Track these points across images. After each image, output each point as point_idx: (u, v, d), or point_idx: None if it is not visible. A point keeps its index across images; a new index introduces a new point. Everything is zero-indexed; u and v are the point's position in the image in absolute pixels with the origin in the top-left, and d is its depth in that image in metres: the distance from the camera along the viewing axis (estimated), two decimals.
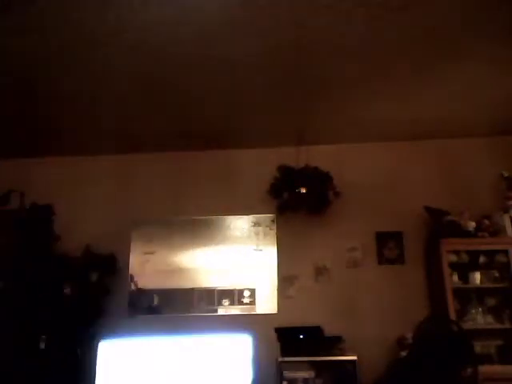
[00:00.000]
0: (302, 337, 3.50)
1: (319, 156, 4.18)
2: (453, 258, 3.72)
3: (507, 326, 3.61)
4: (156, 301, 4.12)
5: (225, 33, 2.92)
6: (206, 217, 4.31)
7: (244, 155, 4.43)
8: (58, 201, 4.03)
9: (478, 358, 3.05)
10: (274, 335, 3.55)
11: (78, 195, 4.43)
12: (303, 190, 3.96)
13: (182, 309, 4.08)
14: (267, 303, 4.04)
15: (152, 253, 4.26)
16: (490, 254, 3.72)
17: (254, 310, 4.03)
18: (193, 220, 4.31)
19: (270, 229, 4.25)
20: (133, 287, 4.18)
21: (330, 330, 3.61)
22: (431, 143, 4.34)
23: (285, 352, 3.47)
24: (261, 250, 4.20)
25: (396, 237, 4.13)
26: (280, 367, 3.42)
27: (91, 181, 4.50)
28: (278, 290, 4.07)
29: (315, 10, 2.74)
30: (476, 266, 3.72)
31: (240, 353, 3.31)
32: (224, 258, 4.19)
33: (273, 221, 4.25)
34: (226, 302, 4.07)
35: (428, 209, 3.95)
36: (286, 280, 4.08)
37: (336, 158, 4.29)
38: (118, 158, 4.54)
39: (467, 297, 3.73)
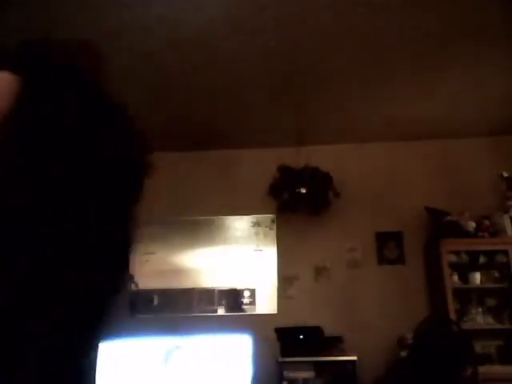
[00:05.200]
0: (302, 337, 3.50)
1: (319, 156, 4.17)
2: (453, 258, 3.72)
3: (507, 326, 3.61)
4: (156, 301, 4.12)
5: (225, 33, 2.92)
6: (206, 217, 4.30)
7: (244, 155, 4.43)
8: None
9: (478, 358, 3.05)
10: (274, 335, 3.55)
11: None
12: (303, 190, 3.96)
13: (182, 309, 4.08)
14: (267, 303, 4.04)
15: (152, 253, 4.26)
16: (490, 254, 3.72)
17: (254, 310, 4.03)
18: (193, 220, 4.31)
19: (270, 229, 4.24)
20: (133, 287, 4.18)
21: (330, 330, 3.61)
22: (431, 143, 4.34)
23: (285, 352, 3.47)
24: (261, 251, 4.20)
25: (396, 237, 4.13)
26: (280, 367, 3.42)
27: None
28: (278, 290, 4.06)
29: (315, 10, 2.74)
30: (476, 266, 3.72)
31: (240, 353, 3.31)
32: (224, 259, 4.19)
33: (273, 221, 4.25)
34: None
35: (428, 209, 3.95)
36: (285, 280, 4.08)
37: (336, 158, 4.29)
38: None
39: (467, 297, 3.73)
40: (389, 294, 3.97)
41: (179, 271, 4.18)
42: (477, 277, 3.69)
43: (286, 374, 3.40)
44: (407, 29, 2.91)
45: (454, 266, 3.71)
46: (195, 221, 4.31)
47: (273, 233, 4.23)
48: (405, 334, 3.50)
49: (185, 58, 3.16)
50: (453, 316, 3.47)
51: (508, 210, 3.83)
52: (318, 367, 3.41)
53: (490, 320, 3.67)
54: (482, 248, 3.73)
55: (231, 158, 4.45)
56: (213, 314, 4.04)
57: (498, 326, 3.64)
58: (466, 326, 3.49)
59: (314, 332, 3.51)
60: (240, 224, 4.28)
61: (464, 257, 3.74)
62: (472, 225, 3.78)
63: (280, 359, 3.44)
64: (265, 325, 3.75)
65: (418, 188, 4.21)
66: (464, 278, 3.72)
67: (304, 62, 3.22)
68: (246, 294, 4.07)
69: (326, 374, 3.39)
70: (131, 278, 4.20)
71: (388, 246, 4.12)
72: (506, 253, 3.66)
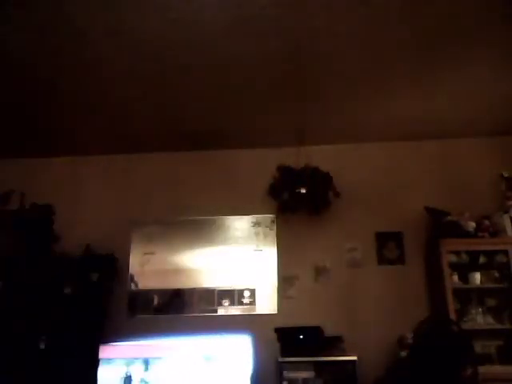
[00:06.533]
0: (301, 337, 3.50)
1: (319, 156, 4.18)
2: (453, 258, 3.71)
3: (507, 326, 3.61)
4: (156, 301, 4.12)
5: (225, 33, 2.92)
6: (206, 217, 4.30)
7: (244, 155, 4.43)
8: (58, 201, 4.03)
9: (478, 358, 3.05)
10: (273, 335, 3.55)
11: (78, 195, 4.43)
12: (303, 191, 3.96)
13: (181, 309, 4.07)
14: (267, 303, 4.04)
15: (152, 253, 4.26)
16: (490, 254, 3.72)
17: (254, 310, 4.03)
18: (193, 220, 4.31)
19: (270, 229, 4.25)
20: (133, 287, 4.18)
21: (330, 330, 3.61)
22: (431, 143, 4.34)
23: (285, 352, 3.47)
24: (261, 251, 4.20)
25: (396, 237, 4.13)
26: (280, 367, 3.42)
27: (91, 181, 4.50)
28: (278, 290, 4.06)
29: (315, 10, 2.74)
30: (476, 266, 3.72)
31: (240, 353, 3.31)
32: (224, 259, 4.19)
33: (273, 221, 4.25)
34: (225, 303, 4.07)
35: (428, 209, 3.95)
36: (286, 280, 4.08)
37: (336, 158, 4.29)
38: (117, 157, 4.54)
39: (467, 297, 3.73)
40: (389, 294, 3.97)
41: (179, 271, 4.18)
42: (477, 277, 3.69)
43: (285, 374, 3.40)
44: (407, 29, 2.92)
45: (454, 266, 3.71)
46: (195, 221, 4.31)
47: (273, 233, 4.23)
48: (405, 334, 3.51)
49: (185, 58, 3.16)
50: (453, 316, 3.47)
51: (508, 210, 3.83)
52: (318, 367, 3.41)
53: (490, 320, 3.66)
54: (482, 248, 3.73)
55: (231, 157, 4.45)
56: (213, 314, 4.04)
57: (498, 326, 3.63)
58: (466, 326, 3.49)
59: (313, 332, 3.51)
60: (240, 224, 4.29)
61: (464, 257, 3.74)
62: (472, 225, 3.78)
63: (280, 359, 3.44)
64: (265, 325, 3.75)
65: (418, 188, 4.21)
66: (464, 278, 3.72)
67: (304, 62, 3.22)
68: (246, 294, 4.07)
69: (326, 373, 3.39)
70: (131, 278, 4.20)
71: (388, 246, 4.12)
72: (506, 253, 3.66)
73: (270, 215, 4.25)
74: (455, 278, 3.70)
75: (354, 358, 3.40)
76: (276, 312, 3.99)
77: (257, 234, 4.25)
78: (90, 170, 4.54)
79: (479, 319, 3.66)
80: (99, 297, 3.89)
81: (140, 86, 3.47)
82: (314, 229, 4.17)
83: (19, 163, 4.50)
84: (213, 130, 4.13)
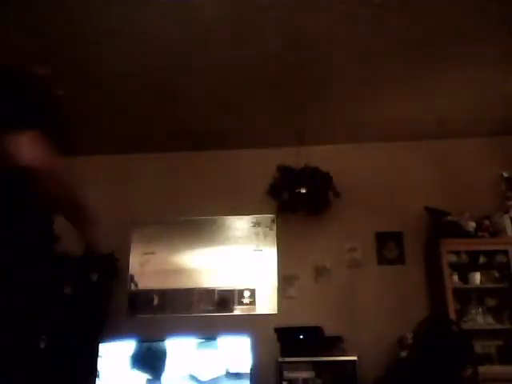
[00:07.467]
0: (302, 337, 3.50)
1: (319, 156, 4.17)
2: (453, 258, 3.72)
3: (507, 326, 3.61)
4: (156, 301, 4.12)
5: (225, 33, 2.92)
6: (206, 217, 4.30)
7: (244, 155, 4.43)
8: None
9: (478, 358, 3.05)
10: (274, 335, 3.55)
11: None
12: (303, 190, 3.96)
13: (181, 309, 4.08)
14: (267, 303, 4.04)
15: (152, 253, 4.26)
16: (490, 254, 3.72)
17: (254, 310, 4.03)
18: (193, 220, 4.31)
19: (270, 229, 4.25)
20: (133, 287, 4.18)
21: (330, 330, 3.61)
22: (431, 143, 4.34)
23: (285, 352, 3.47)
24: (261, 251, 4.20)
25: (396, 237, 4.13)
26: (280, 367, 3.42)
27: (91, 181, 4.49)
28: (278, 290, 4.06)
29: (315, 10, 2.74)
30: (476, 266, 3.72)
31: (240, 353, 3.32)
32: (224, 259, 4.19)
33: (273, 221, 4.25)
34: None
35: (428, 209, 3.95)
36: (286, 280, 4.08)
37: (336, 158, 4.29)
38: (117, 157, 4.53)
39: (467, 297, 3.73)
40: (389, 294, 3.97)
41: (179, 271, 4.18)
42: (477, 277, 3.69)
43: (286, 374, 3.40)
44: (407, 29, 2.92)
45: (454, 266, 3.71)
46: (195, 221, 4.31)
47: (273, 233, 4.23)
48: (405, 334, 3.51)
49: (185, 58, 3.16)
50: (453, 316, 3.47)
51: (508, 210, 3.83)
52: (318, 367, 3.41)
53: (490, 320, 3.67)
54: (482, 248, 3.73)
55: (231, 158, 4.44)
56: (213, 314, 4.04)
57: (498, 326, 3.63)
58: (466, 326, 3.49)
59: (314, 332, 3.51)
60: (240, 224, 4.28)
61: (464, 257, 3.74)
62: (472, 225, 3.78)
63: (280, 359, 3.44)
64: (265, 325, 3.75)
65: (418, 188, 4.21)
66: (464, 278, 3.72)
67: (304, 62, 3.22)
68: (246, 294, 4.07)
69: (326, 374, 3.39)
70: (131, 278, 4.20)
71: (388, 246, 4.12)
72: (506, 253, 3.66)
73: (270, 215, 4.25)
74: (455, 277, 3.70)
75: (354, 358, 3.40)
76: (276, 312, 3.99)
77: (257, 234, 4.25)
78: (90, 170, 4.53)
79: (479, 319, 3.66)
80: (99, 297, 3.88)
81: (140, 86, 3.47)
82: (314, 229, 4.17)
83: None
84: (213, 130, 4.13)
